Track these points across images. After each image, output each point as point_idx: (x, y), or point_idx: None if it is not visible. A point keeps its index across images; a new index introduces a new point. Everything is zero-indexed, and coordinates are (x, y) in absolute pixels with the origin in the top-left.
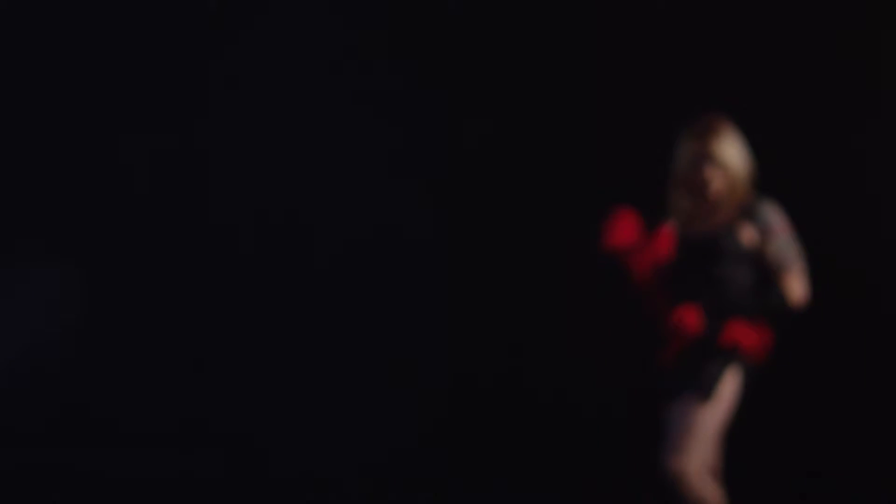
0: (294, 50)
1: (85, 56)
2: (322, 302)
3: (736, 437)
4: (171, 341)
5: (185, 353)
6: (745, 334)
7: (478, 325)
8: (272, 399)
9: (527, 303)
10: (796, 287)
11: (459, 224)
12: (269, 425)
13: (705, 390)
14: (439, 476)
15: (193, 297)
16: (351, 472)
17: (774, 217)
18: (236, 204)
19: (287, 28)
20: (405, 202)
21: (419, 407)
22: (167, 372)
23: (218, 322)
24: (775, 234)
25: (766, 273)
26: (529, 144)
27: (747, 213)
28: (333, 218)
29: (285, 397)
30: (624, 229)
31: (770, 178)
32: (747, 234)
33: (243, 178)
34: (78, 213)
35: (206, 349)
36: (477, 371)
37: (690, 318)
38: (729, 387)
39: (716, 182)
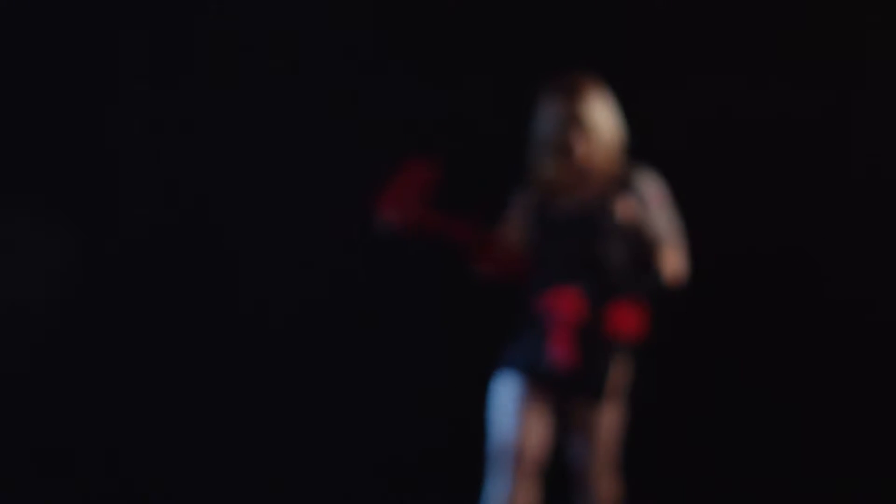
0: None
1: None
2: (318, 295)
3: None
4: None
5: (183, 334)
6: (628, 319)
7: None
8: (268, 390)
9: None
10: (675, 262)
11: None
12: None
13: (599, 391)
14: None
15: (187, 276)
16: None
17: (652, 187)
18: (232, 185)
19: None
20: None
21: (415, 416)
22: (161, 357)
23: (212, 306)
24: (653, 205)
25: (642, 248)
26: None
27: (623, 183)
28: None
29: (282, 396)
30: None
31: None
32: (623, 207)
33: (240, 158)
34: (70, 182)
35: (202, 334)
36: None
37: (567, 302)
38: (624, 379)
39: (581, 146)
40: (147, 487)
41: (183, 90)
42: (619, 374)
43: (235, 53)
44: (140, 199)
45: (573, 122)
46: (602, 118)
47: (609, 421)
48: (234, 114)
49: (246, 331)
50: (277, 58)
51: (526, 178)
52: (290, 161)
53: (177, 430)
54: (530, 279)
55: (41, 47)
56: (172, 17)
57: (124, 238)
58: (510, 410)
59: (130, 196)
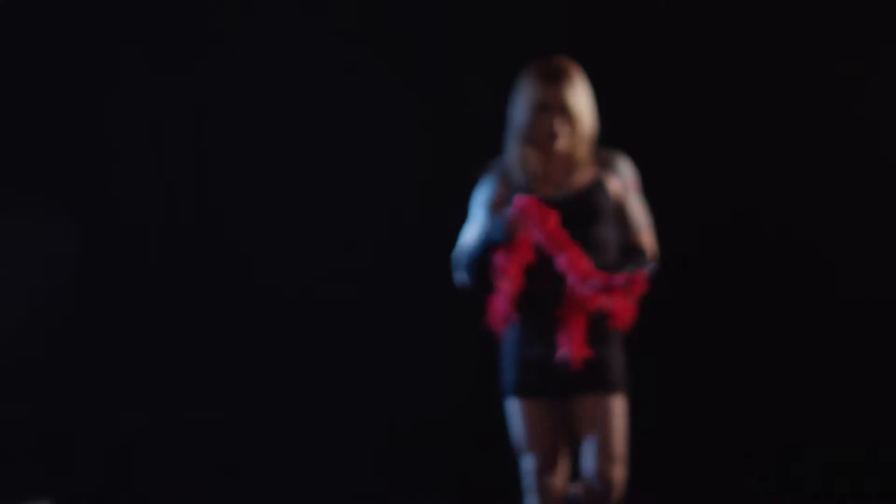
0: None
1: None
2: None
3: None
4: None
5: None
6: (625, 304)
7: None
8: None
9: None
10: (652, 244)
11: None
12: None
13: (615, 382)
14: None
15: (188, 260)
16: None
17: (631, 172)
18: (231, 182)
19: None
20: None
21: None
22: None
23: (208, 292)
24: (633, 189)
25: (628, 230)
26: None
27: (608, 164)
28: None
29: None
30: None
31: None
32: (614, 186)
33: (240, 155)
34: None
35: (199, 315)
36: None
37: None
38: (625, 367)
39: (565, 133)
40: (146, 487)
41: (182, 88)
42: (621, 361)
43: (233, 52)
44: (140, 195)
45: (556, 108)
46: (583, 104)
47: (617, 411)
48: (233, 111)
49: (244, 329)
50: (275, 56)
51: (495, 168)
52: (289, 157)
53: (174, 408)
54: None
55: (42, 45)
56: (173, 17)
57: (124, 232)
58: (528, 440)
59: (130, 192)
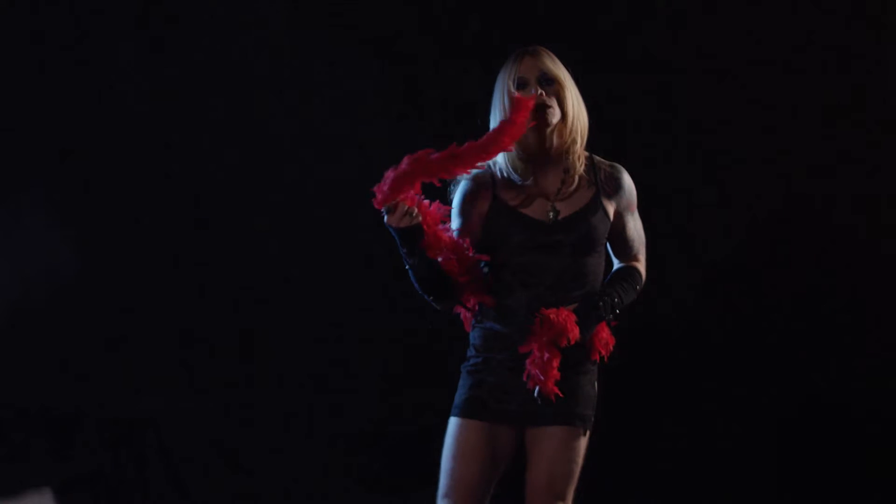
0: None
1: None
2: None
3: None
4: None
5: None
6: (603, 334)
7: None
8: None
9: None
10: (644, 268)
11: None
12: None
13: (579, 417)
14: None
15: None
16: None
17: (632, 189)
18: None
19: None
20: None
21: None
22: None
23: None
24: (632, 207)
25: (625, 253)
26: None
27: (608, 181)
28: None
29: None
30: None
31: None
32: (613, 207)
33: (238, 152)
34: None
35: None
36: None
37: (562, 329)
38: (593, 399)
39: (553, 106)
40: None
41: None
42: (591, 396)
43: (231, 51)
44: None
45: (537, 77)
46: (567, 77)
47: (575, 448)
48: (232, 109)
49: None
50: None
51: (472, 180)
52: (287, 154)
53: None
54: (494, 298)
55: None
56: (172, 16)
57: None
58: (453, 480)
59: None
